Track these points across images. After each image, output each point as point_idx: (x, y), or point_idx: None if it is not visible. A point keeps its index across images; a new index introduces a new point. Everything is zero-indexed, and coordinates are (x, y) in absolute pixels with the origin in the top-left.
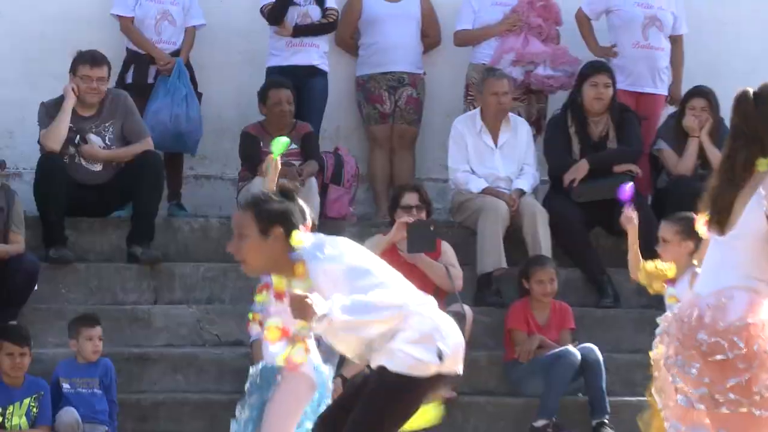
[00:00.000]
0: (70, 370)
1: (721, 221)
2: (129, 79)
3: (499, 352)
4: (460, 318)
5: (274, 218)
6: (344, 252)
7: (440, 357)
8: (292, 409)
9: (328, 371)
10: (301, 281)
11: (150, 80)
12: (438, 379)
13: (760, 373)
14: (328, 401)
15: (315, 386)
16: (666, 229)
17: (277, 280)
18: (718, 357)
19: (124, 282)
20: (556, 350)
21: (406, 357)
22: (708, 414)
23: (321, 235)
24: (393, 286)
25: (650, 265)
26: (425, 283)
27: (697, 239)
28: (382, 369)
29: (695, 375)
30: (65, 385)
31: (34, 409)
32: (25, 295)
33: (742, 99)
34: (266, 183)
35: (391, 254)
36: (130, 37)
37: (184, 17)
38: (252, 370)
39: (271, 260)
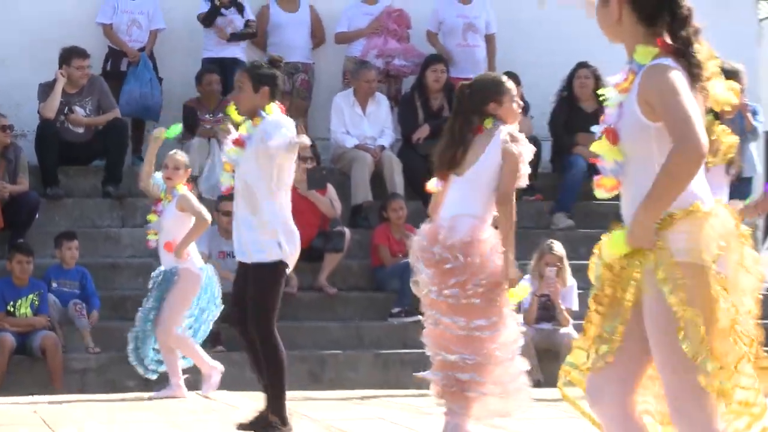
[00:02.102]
0: (57, 274)
1: (452, 167)
2: (108, 68)
3: (368, 261)
4: (341, 235)
5: (264, 80)
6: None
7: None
8: (183, 300)
9: (211, 270)
10: (254, 128)
11: (123, 68)
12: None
13: (471, 277)
14: (216, 290)
15: (200, 282)
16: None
17: (243, 127)
18: (447, 266)
19: (100, 212)
20: (408, 259)
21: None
22: (443, 303)
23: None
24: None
25: None
26: (316, 211)
27: None
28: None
29: (429, 276)
30: (54, 285)
31: (36, 302)
32: (29, 221)
33: (459, 90)
34: (147, 157)
35: (292, 192)
36: (109, 39)
37: (149, 22)
38: (154, 273)
39: (253, 110)
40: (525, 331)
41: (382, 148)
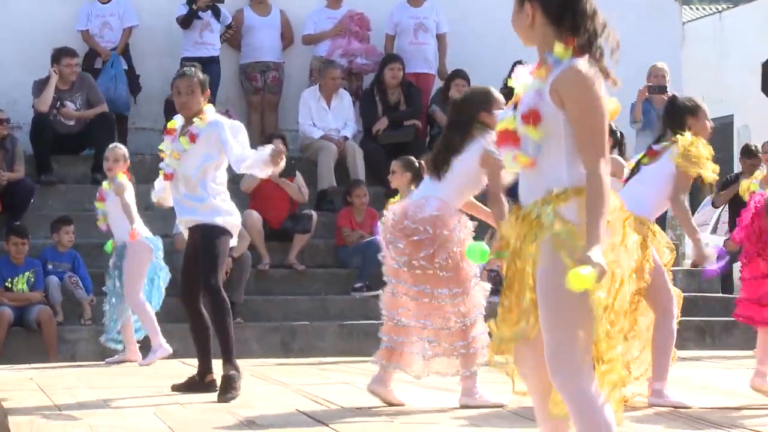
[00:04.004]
0: (53, 256)
1: (437, 167)
2: (84, 67)
3: (332, 240)
4: (308, 218)
5: (206, 86)
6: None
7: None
8: (139, 271)
9: (159, 241)
10: (200, 125)
11: (97, 66)
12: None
13: (439, 250)
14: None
15: (152, 252)
16: (394, 164)
17: (171, 123)
18: (415, 237)
19: (90, 196)
20: (369, 239)
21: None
22: (409, 273)
23: (234, 121)
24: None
25: None
26: (285, 197)
27: (415, 173)
28: (203, 225)
29: (401, 248)
30: (49, 266)
31: (32, 279)
32: (25, 206)
33: (454, 101)
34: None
35: (265, 179)
36: (86, 42)
37: (121, 22)
38: (109, 248)
39: (198, 110)
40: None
41: (346, 138)
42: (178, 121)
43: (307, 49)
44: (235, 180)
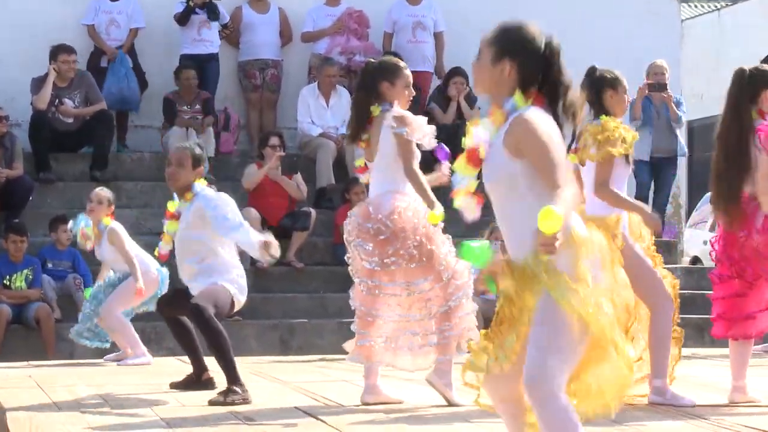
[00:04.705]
0: (52, 254)
1: (353, 139)
2: (90, 65)
3: (331, 238)
4: (307, 215)
5: (201, 162)
6: (225, 205)
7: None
8: (132, 301)
9: (166, 274)
10: (185, 204)
11: (103, 65)
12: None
13: (404, 242)
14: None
15: (158, 286)
16: None
17: (173, 204)
18: (381, 237)
19: (89, 194)
20: None
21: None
22: (384, 272)
23: (220, 194)
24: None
25: None
26: (284, 194)
27: None
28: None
29: (370, 250)
30: (49, 265)
31: (30, 277)
32: (23, 203)
33: (363, 68)
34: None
35: (264, 177)
36: (92, 38)
37: (128, 21)
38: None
39: (188, 186)
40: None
41: (344, 136)
42: (177, 203)
43: (305, 47)
44: (234, 178)
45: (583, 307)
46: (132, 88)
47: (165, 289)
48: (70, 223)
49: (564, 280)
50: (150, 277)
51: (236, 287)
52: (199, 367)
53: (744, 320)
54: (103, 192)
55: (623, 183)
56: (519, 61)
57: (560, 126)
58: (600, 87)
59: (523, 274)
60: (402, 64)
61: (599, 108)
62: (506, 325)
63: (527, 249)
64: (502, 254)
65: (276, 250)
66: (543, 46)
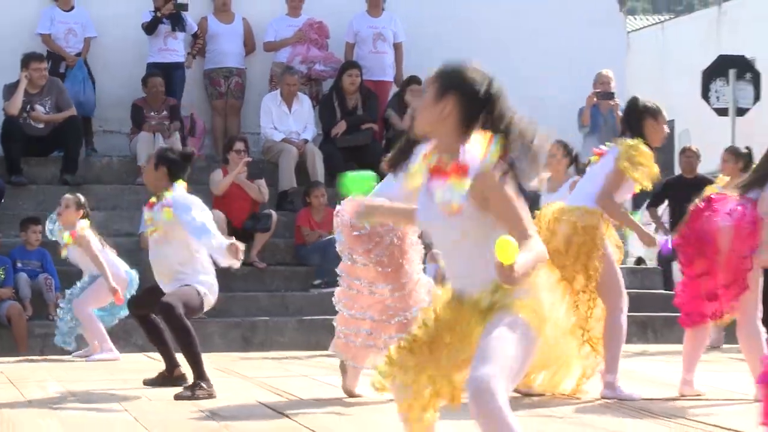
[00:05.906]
0: (22, 254)
1: (394, 166)
2: (50, 70)
3: (292, 239)
4: (269, 217)
5: (170, 164)
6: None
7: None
8: (104, 299)
9: (135, 277)
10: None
11: (61, 70)
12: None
13: (376, 246)
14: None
15: (126, 288)
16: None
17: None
18: (355, 233)
19: (59, 197)
20: (327, 237)
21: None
22: (350, 265)
23: (192, 197)
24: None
25: None
26: (247, 197)
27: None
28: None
29: (343, 242)
30: (18, 264)
31: (2, 276)
32: None
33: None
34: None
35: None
36: (48, 46)
37: (83, 31)
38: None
39: (159, 186)
40: None
41: (305, 141)
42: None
43: (268, 56)
44: (199, 181)
45: (539, 321)
46: (87, 93)
47: (134, 290)
48: (48, 224)
49: (525, 302)
50: (119, 278)
51: (207, 288)
52: (171, 363)
53: (704, 301)
54: (71, 197)
55: (623, 198)
56: (459, 99)
57: (520, 162)
58: (642, 115)
59: (476, 306)
60: None
61: (637, 135)
62: (445, 352)
63: (479, 282)
64: (440, 282)
65: (241, 254)
66: (483, 88)
